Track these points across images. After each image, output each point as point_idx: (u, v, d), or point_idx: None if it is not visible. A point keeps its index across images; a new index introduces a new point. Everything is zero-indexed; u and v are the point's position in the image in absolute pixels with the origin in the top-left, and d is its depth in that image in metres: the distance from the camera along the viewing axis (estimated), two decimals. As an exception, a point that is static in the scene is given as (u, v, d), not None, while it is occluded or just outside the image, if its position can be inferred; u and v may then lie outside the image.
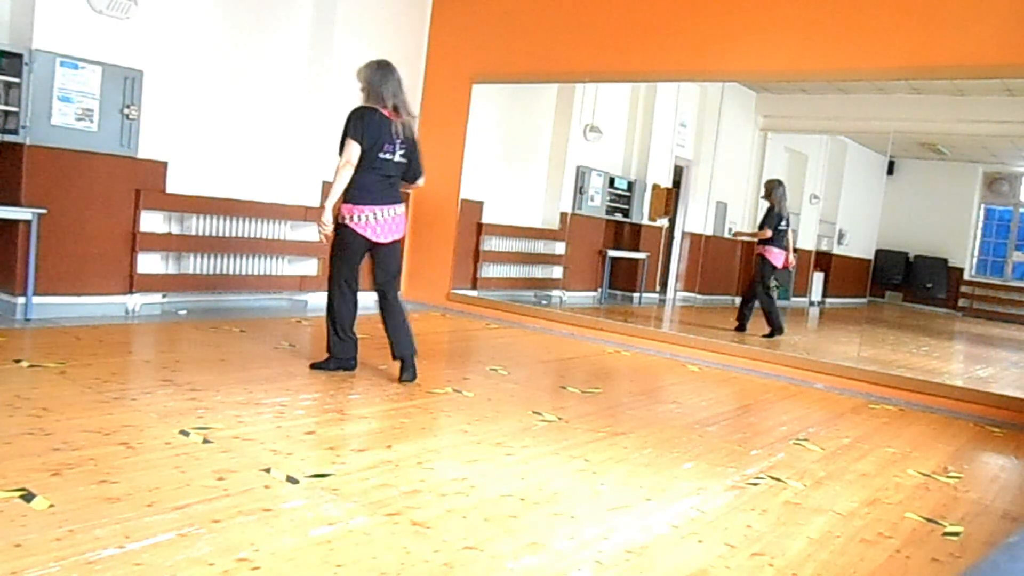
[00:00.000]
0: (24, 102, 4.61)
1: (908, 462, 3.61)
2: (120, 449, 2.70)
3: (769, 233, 6.89)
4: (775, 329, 6.68)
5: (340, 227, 3.98)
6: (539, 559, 2.19)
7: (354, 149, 3.84)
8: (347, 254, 4.02)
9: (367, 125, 3.84)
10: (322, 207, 3.97)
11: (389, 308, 4.11)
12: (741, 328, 6.85)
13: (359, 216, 3.93)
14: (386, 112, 3.92)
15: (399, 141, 3.96)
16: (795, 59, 5.54)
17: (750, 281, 7.08)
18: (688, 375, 5.32)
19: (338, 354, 4.14)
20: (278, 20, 6.29)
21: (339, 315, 4.07)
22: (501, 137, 7.75)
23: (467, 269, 7.36)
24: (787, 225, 6.98)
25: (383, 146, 3.90)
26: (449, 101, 7.15)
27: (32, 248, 4.71)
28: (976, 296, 9.08)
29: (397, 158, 3.98)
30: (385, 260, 4.10)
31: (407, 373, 4.10)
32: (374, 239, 3.97)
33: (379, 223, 3.96)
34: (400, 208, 4.07)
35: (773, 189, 6.99)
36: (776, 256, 6.93)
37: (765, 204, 7.06)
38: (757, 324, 6.74)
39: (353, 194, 3.92)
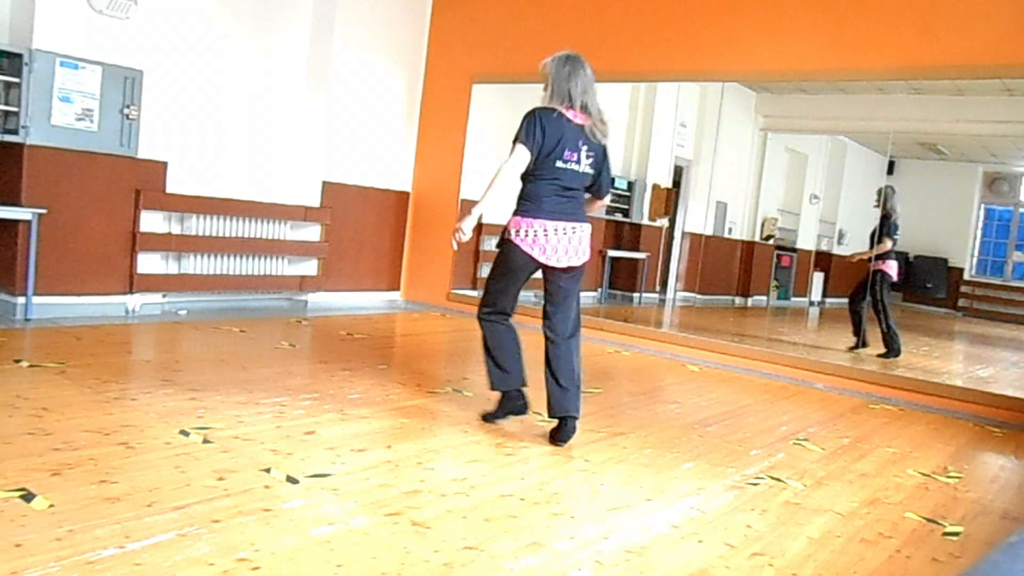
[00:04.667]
0: (24, 102, 4.61)
1: (908, 462, 3.61)
2: (120, 449, 2.70)
3: (890, 245, 6.39)
4: (892, 351, 6.32)
5: (503, 242, 3.39)
6: (539, 559, 2.19)
7: (520, 154, 3.21)
8: (505, 273, 3.42)
9: (539, 127, 3.22)
10: (468, 211, 3.29)
11: (552, 354, 3.46)
12: (863, 344, 6.48)
13: (526, 231, 3.29)
14: (571, 113, 3.29)
15: (585, 148, 3.31)
16: (795, 59, 5.54)
17: (856, 295, 6.60)
18: (688, 375, 5.32)
19: (499, 385, 3.51)
20: (278, 19, 6.29)
21: (492, 344, 3.49)
22: (501, 137, 7.75)
23: (467, 269, 7.36)
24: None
25: (563, 152, 3.25)
26: (449, 101, 7.15)
27: (32, 248, 4.71)
28: (976, 296, 9.07)
29: (582, 168, 3.32)
30: (558, 290, 3.45)
31: (562, 434, 3.36)
32: (543, 260, 3.32)
33: (550, 242, 3.29)
34: (582, 228, 3.38)
35: (889, 196, 6.48)
36: (893, 269, 6.52)
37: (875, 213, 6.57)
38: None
39: (523, 206, 3.32)
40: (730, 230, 8.68)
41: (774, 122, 8.19)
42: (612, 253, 8.67)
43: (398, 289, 7.45)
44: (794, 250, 8.69)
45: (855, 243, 7.66)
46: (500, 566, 2.12)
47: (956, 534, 2.73)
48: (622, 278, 8.85)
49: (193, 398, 3.43)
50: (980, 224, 9.10)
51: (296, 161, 6.49)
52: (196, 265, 5.74)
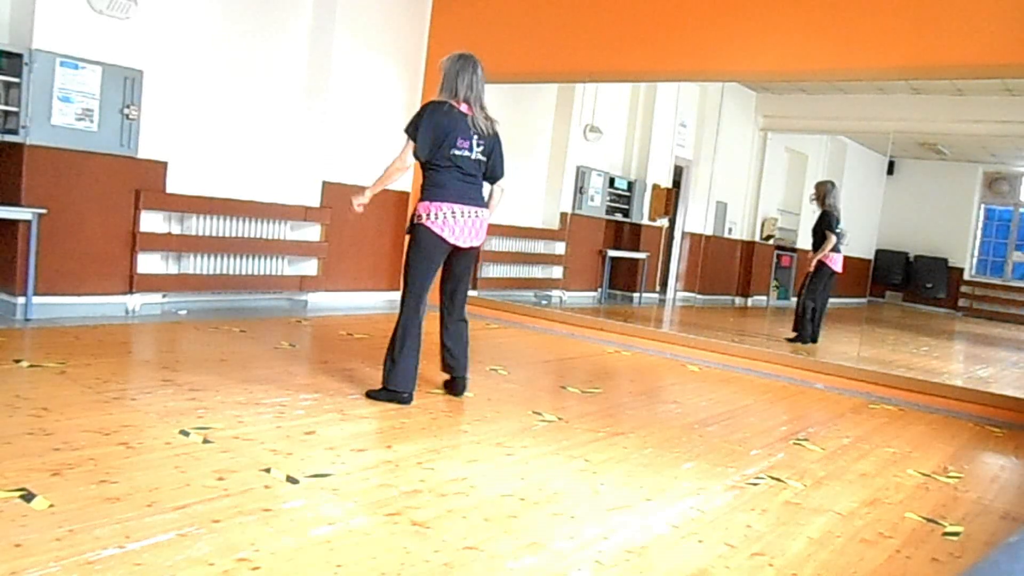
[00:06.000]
0: (24, 102, 4.61)
1: (908, 462, 3.61)
2: (120, 449, 2.70)
3: (835, 239, 6.52)
4: (801, 337, 6.44)
5: (414, 227, 3.66)
6: (539, 559, 2.19)
7: (407, 147, 3.59)
8: (423, 256, 3.65)
9: (429, 120, 3.56)
10: (362, 190, 3.79)
11: (450, 326, 3.85)
12: (812, 339, 6.62)
13: (436, 214, 3.58)
14: (459, 105, 3.62)
15: (476, 137, 3.64)
16: (795, 59, 5.54)
17: (807, 289, 6.72)
18: (688, 375, 5.32)
19: (391, 384, 3.69)
20: (278, 19, 6.29)
21: (403, 334, 3.67)
22: (501, 137, 7.75)
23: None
24: (841, 229, 6.64)
25: (456, 141, 3.58)
26: (449, 101, 7.14)
27: (32, 248, 4.71)
28: (976, 296, 9.09)
29: (475, 155, 3.65)
30: (457, 267, 3.79)
31: (458, 388, 3.92)
32: (452, 240, 3.62)
33: (456, 223, 3.61)
34: (483, 212, 3.72)
35: (828, 192, 6.64)
36: (836, 261, 6.60)
37: (814, 208, 6.73)
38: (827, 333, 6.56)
39: (430, 191, 3.63)
40: (730, 230, 8.69)
41: (774, 122, 8.20)
42: (612, 253, 8.68)
43: (398, 289, 7.45)
44: (794, 250, 8.70)
45: (855, 243, 7.66)
46: (500, 566, 2.12)
47: (956, 534, 2.73)
48: (622, 278, 8.86)
49: (193, 398, 3.43)
50: (980, 224, 9.10)
51: (296, 161, 6.49)
52: (196, 265, 5.74)
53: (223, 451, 2.79)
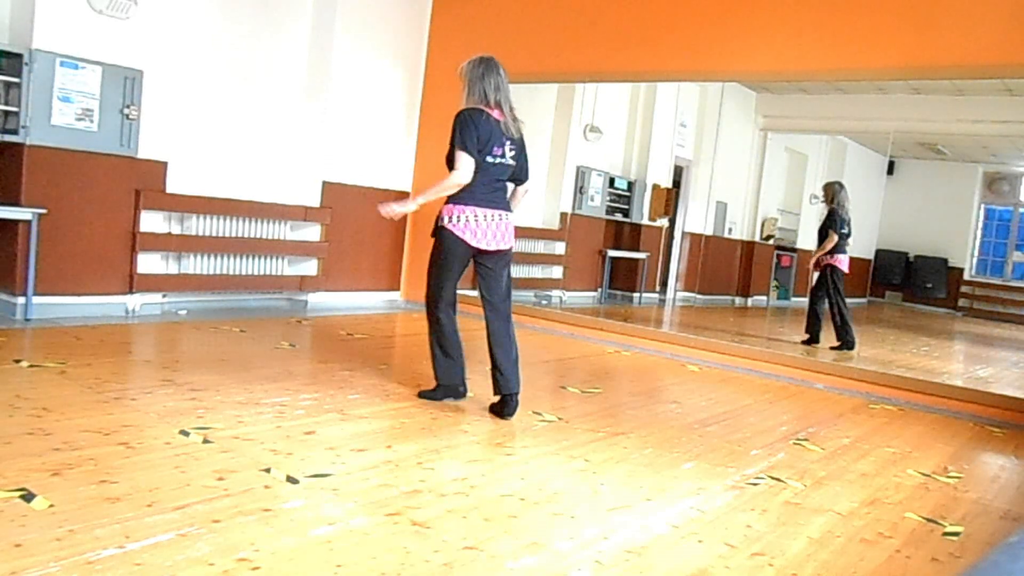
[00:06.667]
0: (24, 102, 4.61)
1: (908, 462, 3.61)
2: (120, 449, 2.70)
3: (836, 239, 6.51)
4: (845, 344, 6.39)
5: (437, 230, 3.65)
6: (539, 559, 2.19)
7: (466, 163, 3.48)
8: (443, 259, 3.64)
9: (475, 130, 3.48)
10: (412, 198, 3.71)
11: (496, 335, 3.69)
12: (814, 340, 6.59)
13: (458, 216, 3.56)
14: (491, 111, 3.55)
15: (509, 142, 3.60)
16: (795, 59, 5.54)
17: (814, 291, 6.68)
18: (688, 375, 5.32)
19: (444, 379, 3.78)
20: (278, 19, 6.30)
21: (440, 333, 3.72)
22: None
23: (467, 269, 7.36)
24: (849, 229, 6.61)
25: (492, 149, 3.55)
26: (449, 101, 7.13)
27: (32, 248, 4.71)
28: (976, 296, 9.07)
29: (508, 160, 3.62)
30: (488, 271, 3.70)
31: (508, 409, 3.67)
32: (474, 243, 3.57)
33: (479, 226, 3.56)
34: (508, 216, 3.66)
35: (836, 193, 6.64)
36: (844, 262, 6.60)
37: (822, 208, 6.73)
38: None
39: (456, 194, 3.58)
40: (730, 230, 8.68)
41: (774, 122, 8.19)
42: (612, 253, 8.67)
43: (398, 289, 7.46)
44: (794, 250, 8.69)
45: (855, 243, 7.67)
46: (500, 566, 2.12)
47: (956, 534, 2.73)
48: (622, 278, 8.86)
49: (193, 398, 3.43)
50: (980, 224, 9.10)
51: (296, 161, 6.49)
52: (196, 265, 5.74)
53: (223, 451, 2.79)
